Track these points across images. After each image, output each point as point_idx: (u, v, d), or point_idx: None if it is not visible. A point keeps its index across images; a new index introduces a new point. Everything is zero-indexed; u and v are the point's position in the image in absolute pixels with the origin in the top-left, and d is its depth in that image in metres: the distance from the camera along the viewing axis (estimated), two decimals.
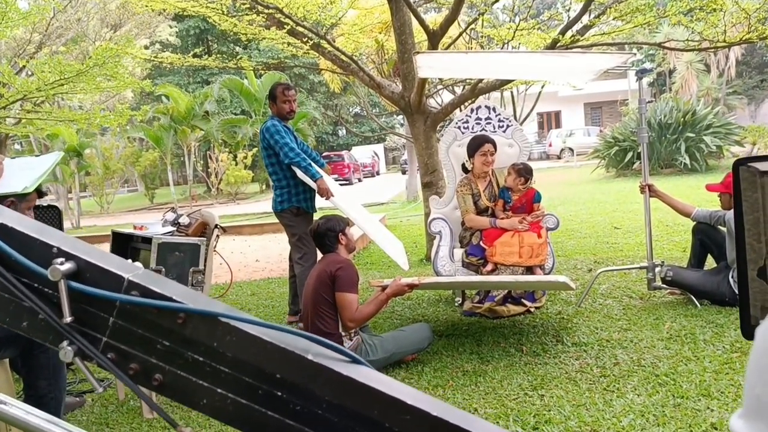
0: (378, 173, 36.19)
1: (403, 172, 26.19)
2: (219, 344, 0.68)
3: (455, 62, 5.50)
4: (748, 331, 0.95)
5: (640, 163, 5.16)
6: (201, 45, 31.41)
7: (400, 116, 25.36)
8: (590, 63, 4.88)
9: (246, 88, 21.71)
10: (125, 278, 0.70)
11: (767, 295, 0.91)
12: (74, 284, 0.69)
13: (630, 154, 16.13)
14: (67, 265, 0.70)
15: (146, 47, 27.91)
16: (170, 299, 0.69)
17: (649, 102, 6.41)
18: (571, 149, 27.47)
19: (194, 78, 30.40)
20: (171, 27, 31.94)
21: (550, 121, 36.26)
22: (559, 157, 29.40)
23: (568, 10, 8.22)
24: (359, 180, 30.82)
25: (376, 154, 36.82)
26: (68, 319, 0.70)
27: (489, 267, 4.53)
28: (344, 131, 40.04)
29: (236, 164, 21.99)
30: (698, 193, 10.36)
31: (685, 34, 14.57)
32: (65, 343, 0.70)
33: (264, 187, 26.16)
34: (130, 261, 0.74)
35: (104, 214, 21.70)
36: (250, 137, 22.23)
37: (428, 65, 5.05)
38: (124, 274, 0.70)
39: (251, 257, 8.93)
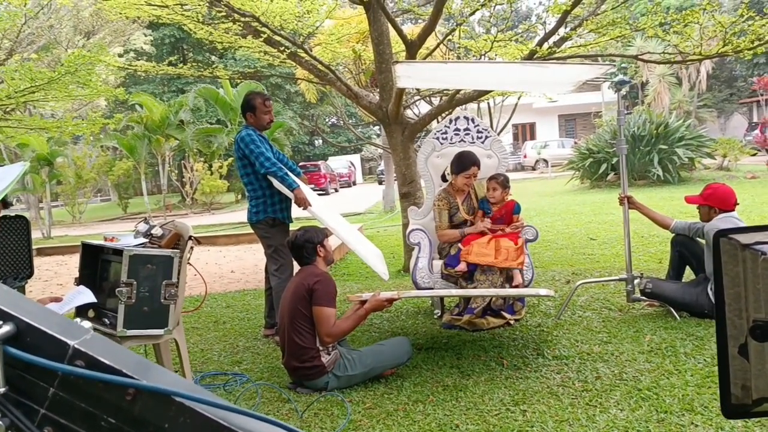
0: (354, 183, 36.28)
1: (380, 183, 26.16)
2: (171, 426, 0.61)
3: (434, 72, 5.47)
4: (729, 410, 0.89)
5: (615, 174, 5.16)
6: (176, 53, 31.07)
7: (377, 127, 25.37)
8: (570, 74, 4.87)
9: (221, 97, 21.54)
10: (70, 345, 0.63)
11: (748, 374, 0.86)
12: (11, 350, 0.62)
13: (604, 166, 16.24)
14: (5, 328, 0.63)
15: (120, 55, 27.67)
16: (119, 372, 0.62)
17: (627, 114, 6.44)
18: (545, 161, 27.77)
19: (169, 87, 30.08)
20: (146, 35, 31.68)
21: (525, 132, 36.62)
22: (533, 169, 29.70)
23: (544, 23, 8.27)
24: (336, 190, 30.75)
25: (352, 164, 36.88)
26: (1, 389, 0.63)
27: (462, 266, 4.47)
28: (321, 141, 39.96)
29: (211, 174, 21.74)
30: (672, 204, 10.48)
31: (658, 47, 14.79)
32: None
33: (239, 197, 25.92)
34: (79, 320, 0.66)
35: (76, 224, 21.31)
36: (226, 147, 22.00)
37: (407, 75, 5.00)
38: (70, 341, 0.63)
39: (226, 268, 8.79)
